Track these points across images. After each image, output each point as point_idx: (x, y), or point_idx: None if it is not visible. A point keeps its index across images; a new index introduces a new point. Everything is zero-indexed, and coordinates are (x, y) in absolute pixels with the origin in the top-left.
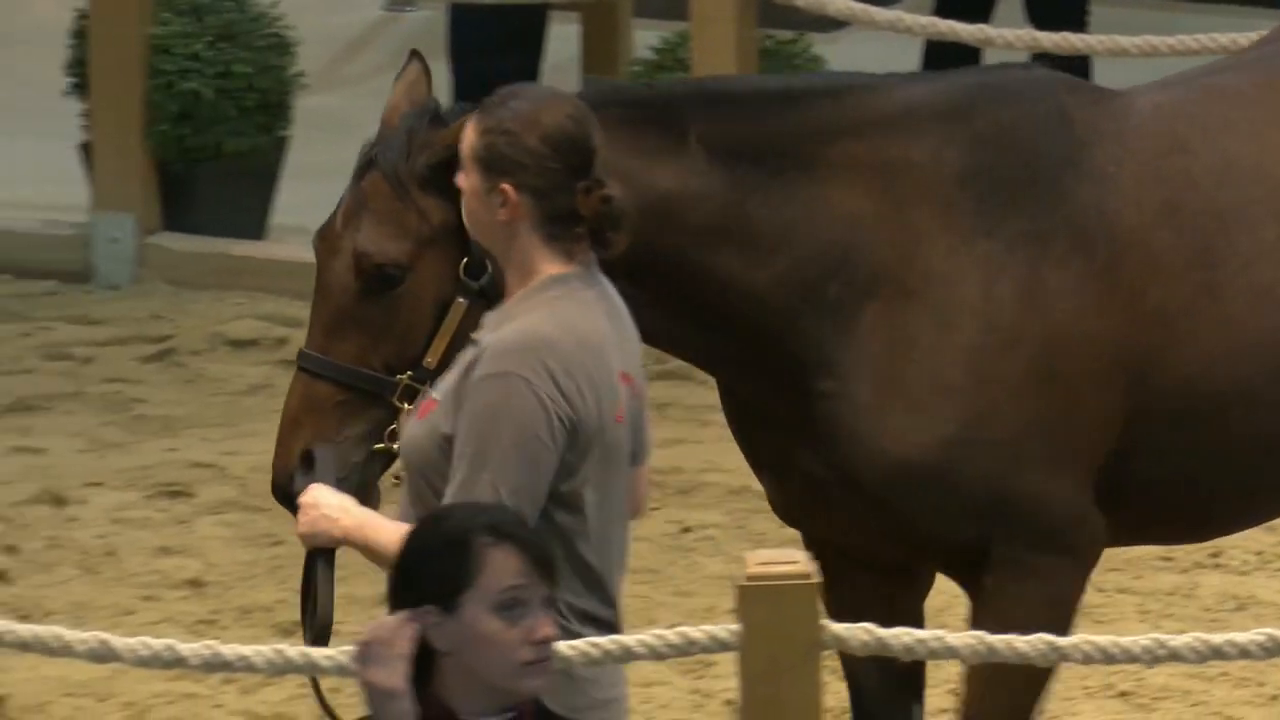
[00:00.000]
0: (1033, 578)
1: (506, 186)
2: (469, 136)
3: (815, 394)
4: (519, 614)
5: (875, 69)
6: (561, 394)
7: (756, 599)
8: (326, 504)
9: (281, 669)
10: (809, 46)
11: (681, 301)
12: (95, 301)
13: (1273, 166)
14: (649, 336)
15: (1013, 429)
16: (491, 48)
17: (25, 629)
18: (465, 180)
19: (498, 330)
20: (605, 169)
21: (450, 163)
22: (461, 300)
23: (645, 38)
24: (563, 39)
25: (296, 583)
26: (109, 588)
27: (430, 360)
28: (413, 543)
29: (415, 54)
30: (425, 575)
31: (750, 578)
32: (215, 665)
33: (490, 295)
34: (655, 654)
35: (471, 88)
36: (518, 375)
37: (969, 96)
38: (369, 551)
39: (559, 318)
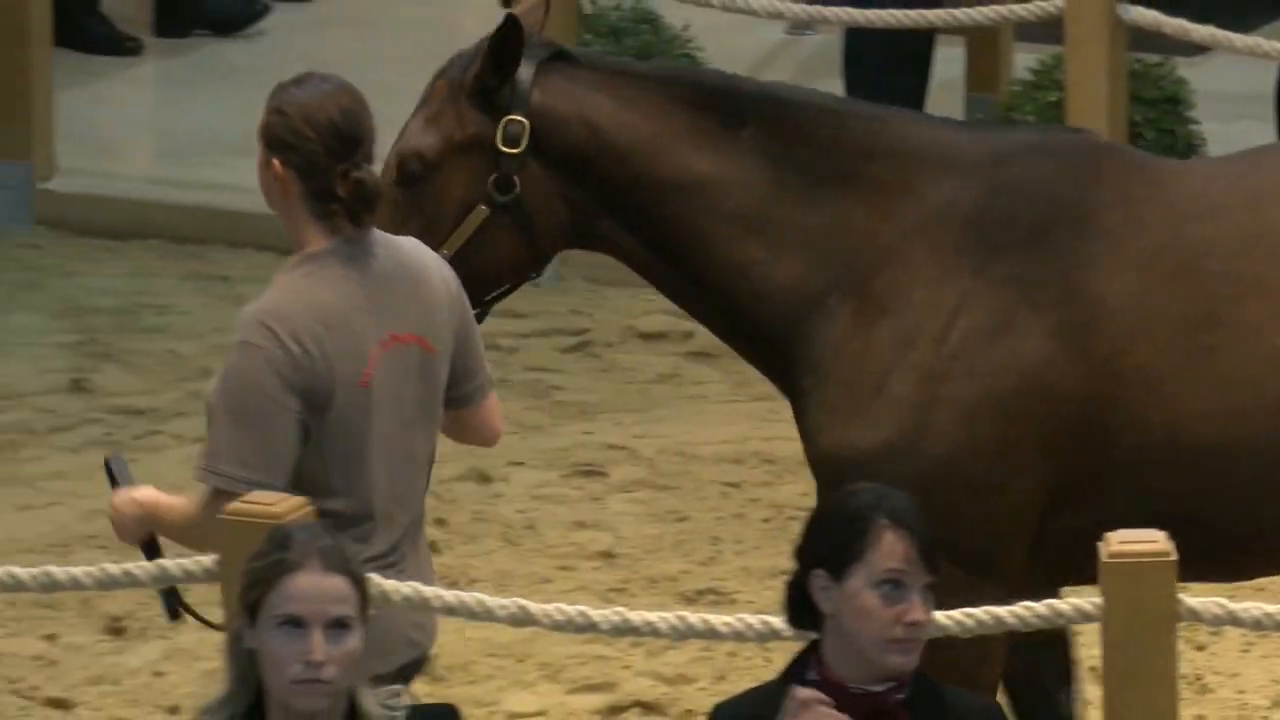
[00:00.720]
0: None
1: (275, 162)
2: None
3: (799, 391)
4: (897, 595)
5: (1235, 92)
6: (289, 357)
7: (1117, 575)
8: (119, 503)
9: (684, 634)
10: (1174, 70)
11: (696, 278)
12: (521, 297)
13: None
14: (672, 297)
15: (948, 450)
16: (884, 68)
17: (452, 595)
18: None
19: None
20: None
21: (501, 79)
22: (484, 208)
23: (1024, 60)
24: (949, 60)
25: (700, 555)
26: (528, 558)
27: (446, 252)
28: (821, 508)
29: None
30: (824, 541)
31: (1111, 555)
32: (624, 630)
33: (515, 213)
34: (1025, 624)
35: None
36: (250, 343)
37: (1008, 149)
38: (167, 530)
39: (298, 291)
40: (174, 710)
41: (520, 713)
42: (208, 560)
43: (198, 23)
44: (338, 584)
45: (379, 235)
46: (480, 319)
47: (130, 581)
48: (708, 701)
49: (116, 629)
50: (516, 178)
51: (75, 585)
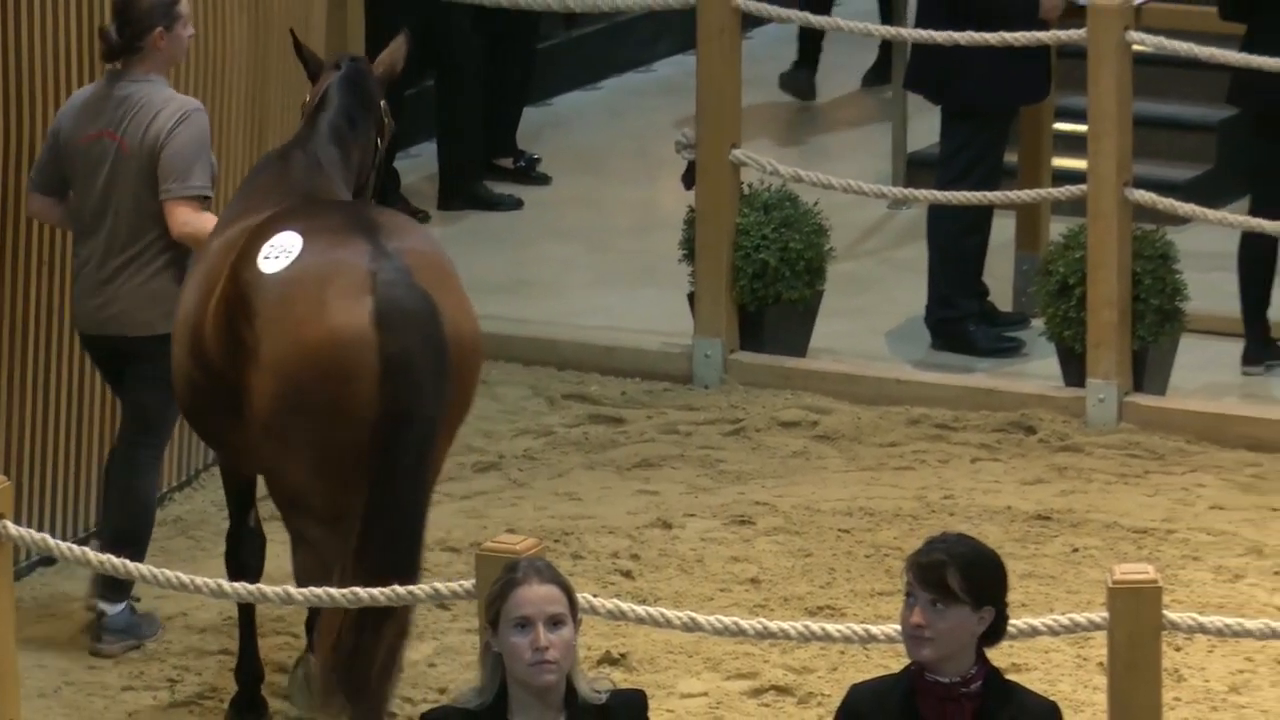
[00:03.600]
0: None
1: None
2: None
3: None
4: (907, 606)
5: (1210, 250)
6: (57, 121)
7: (1120, 596)
8: None
9: (808, 638)
10: (1165, 234)
11: None
12: (695, 396)
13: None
14: None
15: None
16: (957, 233)
17: (643, 609)
18: None
19: None
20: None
21: None
22: None
23: (1057, 227)
24: (1004, 227)
25: (820, 581)
26: (697, 583)
27: None
28: None
29: (406, 33)
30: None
31: (1116, 582)
32: (764, 635)
33: None
34: (1052, 631)
35: (946, 264)
36: None
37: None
38: None
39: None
40: (443, 691)
41: (690, 693)
42: (469, 584)
43: (469, 203)
44: (552, 591)
45: (145, 76)
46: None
47: (411, 599)
48: (825, 686)
49: None
50: None
51: (372, 600)
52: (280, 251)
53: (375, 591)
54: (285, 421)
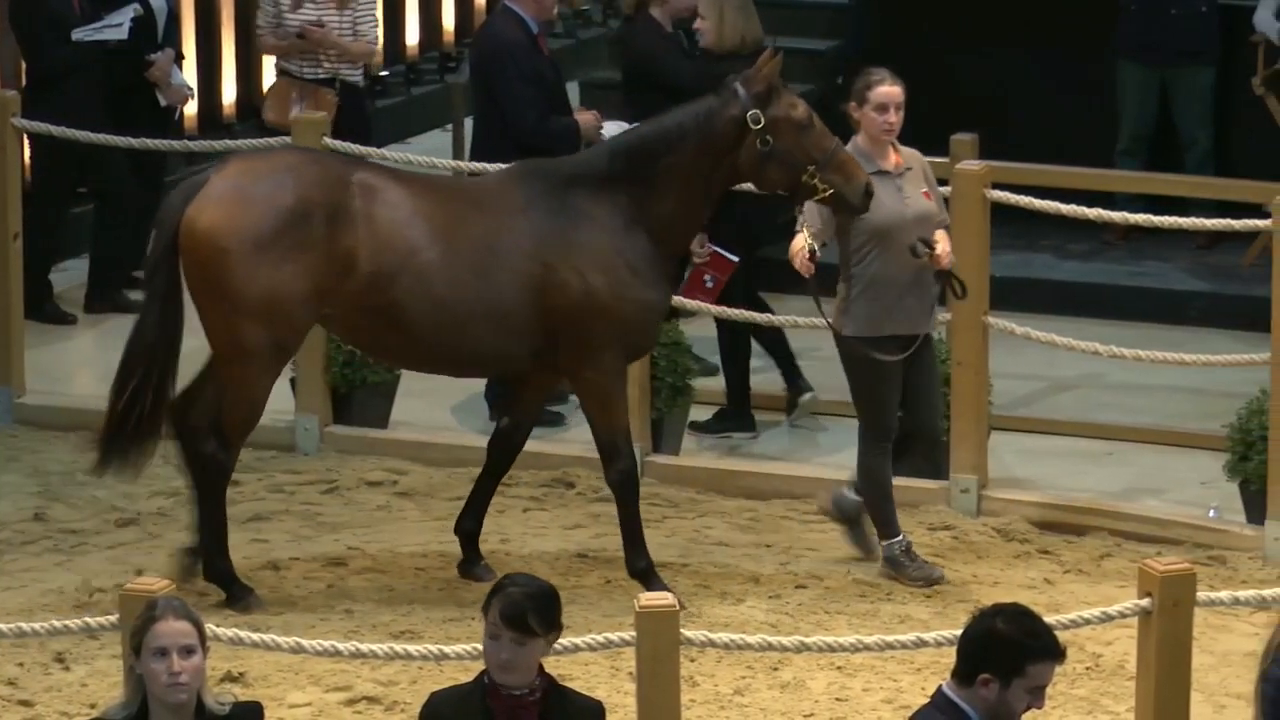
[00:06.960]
0: None
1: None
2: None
3: None
4: (493, 644)
5: (705, 336)
6: None
7: (645, 619)
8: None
9: (392, 656)
10: (677, 326)
11: None
12: (297, 461)
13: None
14: None
15: None
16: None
17: (258, 636)
18: None
19: None
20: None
21: None
22: None
23: None
24: None
25: (402, 610)
26: (302, 614)
27: None
28: None
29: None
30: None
31: (642, 607)
32: (357, 655)
33: None
34: (591, 648)
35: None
36: None
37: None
38: None
39: None
40: (93, 706)
41: (296, 704)
42: (114, 618)
43: (113, 308)
44: (184, 625)
45: (856, 146)
46: None
47: (66, 630)
48: (407, 695)
49: (60, 659)
50: None
51: (65, 629)
52: None
53: (36, 626)
54: None
